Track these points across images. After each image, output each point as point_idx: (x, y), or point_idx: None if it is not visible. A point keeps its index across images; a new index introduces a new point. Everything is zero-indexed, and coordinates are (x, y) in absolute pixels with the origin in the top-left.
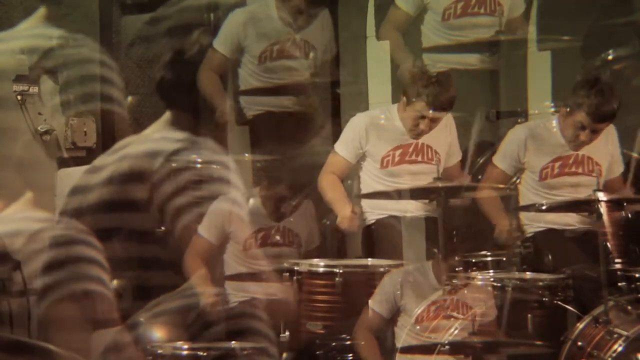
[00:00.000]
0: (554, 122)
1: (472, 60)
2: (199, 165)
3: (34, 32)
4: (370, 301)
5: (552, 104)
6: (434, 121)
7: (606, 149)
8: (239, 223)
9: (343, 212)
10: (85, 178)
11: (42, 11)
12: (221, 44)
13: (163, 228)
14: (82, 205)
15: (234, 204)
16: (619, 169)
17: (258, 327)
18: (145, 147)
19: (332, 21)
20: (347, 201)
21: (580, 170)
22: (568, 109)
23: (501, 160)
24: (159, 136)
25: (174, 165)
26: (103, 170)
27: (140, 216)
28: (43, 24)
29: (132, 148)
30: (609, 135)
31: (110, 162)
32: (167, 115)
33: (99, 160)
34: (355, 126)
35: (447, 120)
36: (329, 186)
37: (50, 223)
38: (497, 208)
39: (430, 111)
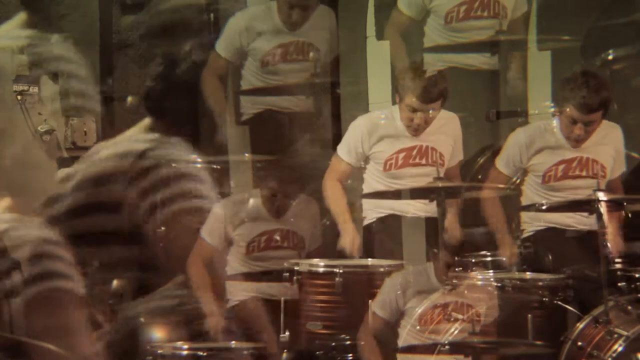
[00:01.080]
0: (555, 122)
1: (472, 60)
2: (170, 163)
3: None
4: (372, 305)
5: (552, 104)
6: (427, 116)
7: (611, 150)
8: (214, 222)
9: (347, 236)
10: (59, 187)
11: (22, 16)
12: (224, 48)
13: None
14: (55, 214)
15: (205, 200)
16: (621, 169)
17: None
18: (116, 149)
19: (335, 21)
20: (351, 221)
21: (584, 173)
22: (558, 107)
23: (505, 165)
24: (129, 137)
25: (145, 163)
26: (74, 177)
27: (114, 218)
28: (23, 29)
29: (103, 152)
30: (615, 135)
31: (81, 167)
32: (147, 121)
33: (72, 168)
34: (357, 129)
35: (453, 122)
36: (334, 197)
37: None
38: (503, 228)
39: (430, 111)
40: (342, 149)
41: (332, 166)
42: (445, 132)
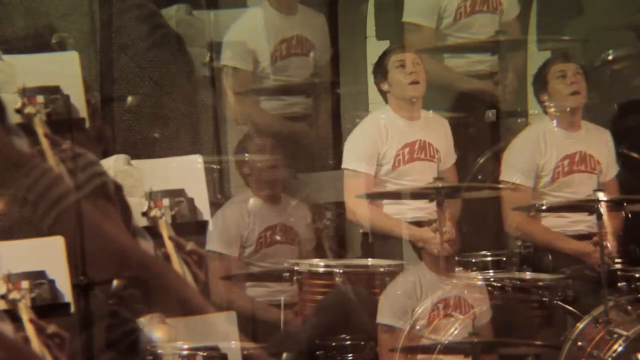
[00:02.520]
0: (548, 120)
1: (472, 60)
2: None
3: None
4: (384, 321)
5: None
6: (415, 63)
7: (604, 150)
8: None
9: (422, 234)
10: None
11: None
12: (240, 59)
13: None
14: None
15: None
16: (614, 171)
17: None
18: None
19: (327, 26)
20: (404, 223)
21: (583, 168)
22: (545, 81)
23: (520, 174)
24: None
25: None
26: None
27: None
28: None
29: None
30: (605, 138)
31: None
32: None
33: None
34: (365, 132)
35: (443, 124)
36: (365, 215)
37: None
38: (559, 238)
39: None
40: (353, 162)
41: (348, 186)
42: (440, 132)
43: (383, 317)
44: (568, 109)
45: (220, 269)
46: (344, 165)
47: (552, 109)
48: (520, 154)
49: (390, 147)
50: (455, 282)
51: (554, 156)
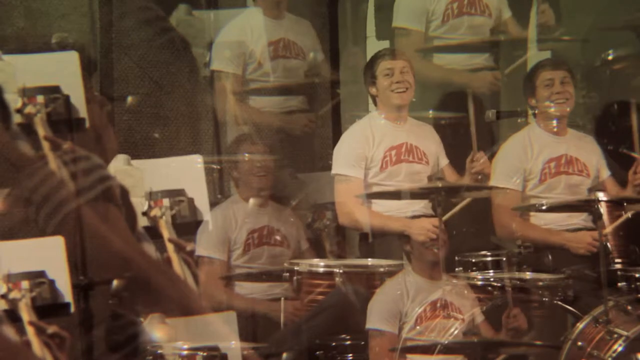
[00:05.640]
0: (535, 125)
1: (472, 60)
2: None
3: None
4: (373, 326)
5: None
6: (404, 72)
7: (590, 155)
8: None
9: (419, 224)
10: None
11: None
12: (230, 63)
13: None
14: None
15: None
16: (606, 172)
17: None
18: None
19: (314, 31)
20: (399, 218)
21: (571, 170)
22: (532, 87)
23: (509, 179)
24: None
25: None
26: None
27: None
28: None
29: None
30: (590, 143)
31: None
32: None
33: None
34: (353, 137)
35: (427, 128)
36: (363, 216)
37: None
38: (550, 236)
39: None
40: (343, 167)
41: (340, 191)
42: (427, 138)
43: (372, 322)
44: (556, 115)
45: (210, 273)
46: (334, 171)
47: (540, 114)
48: (508, 160)
49: (378, 150)
50: (443, 285)
51: (540, 159)
